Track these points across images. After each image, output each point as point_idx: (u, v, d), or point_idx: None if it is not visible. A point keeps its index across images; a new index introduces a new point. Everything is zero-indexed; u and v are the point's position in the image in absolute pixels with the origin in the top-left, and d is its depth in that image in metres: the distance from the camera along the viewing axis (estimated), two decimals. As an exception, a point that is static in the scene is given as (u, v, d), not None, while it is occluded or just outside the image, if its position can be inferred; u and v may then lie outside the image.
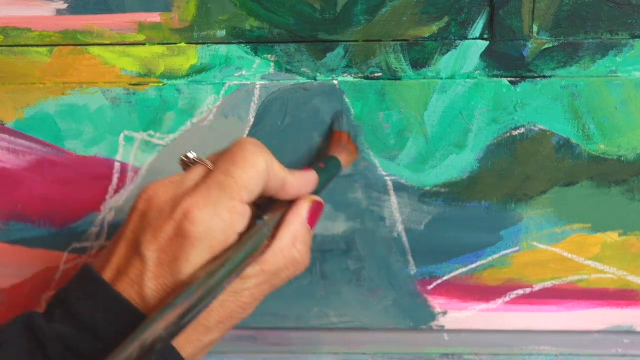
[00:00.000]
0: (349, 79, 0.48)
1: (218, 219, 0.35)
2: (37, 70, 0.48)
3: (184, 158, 0.39)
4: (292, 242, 0.39)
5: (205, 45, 0.48)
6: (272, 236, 0.38)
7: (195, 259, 0.35)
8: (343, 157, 0.46)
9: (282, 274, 0.38)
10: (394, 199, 0.50)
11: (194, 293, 0.33)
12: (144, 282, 0.35)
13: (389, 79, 0.48)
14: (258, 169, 0.36)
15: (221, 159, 0.37)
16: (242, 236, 0.37)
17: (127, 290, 0.35)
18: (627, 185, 0.49)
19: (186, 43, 0.48)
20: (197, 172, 0.37)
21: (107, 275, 0.36)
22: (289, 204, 0.40)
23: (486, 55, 0.46)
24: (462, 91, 0.47)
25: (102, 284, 0.36)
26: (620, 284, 0.51)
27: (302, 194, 0.40)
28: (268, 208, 0.39)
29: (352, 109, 0.48)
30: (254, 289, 0.38)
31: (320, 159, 0.45)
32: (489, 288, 0.52)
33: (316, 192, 0.42)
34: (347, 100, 0.48)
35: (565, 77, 0.47)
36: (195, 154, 0.38)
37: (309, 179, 0.41)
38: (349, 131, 0.48)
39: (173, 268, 0.35)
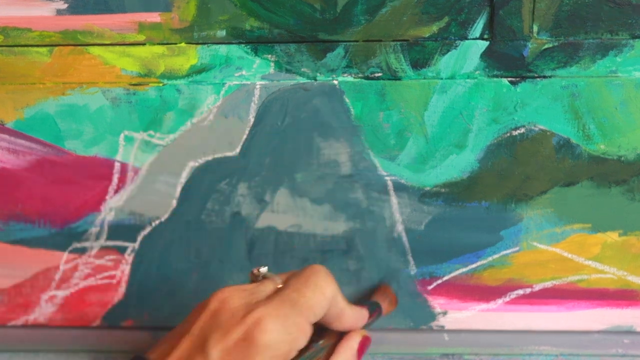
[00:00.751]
0: (349, 79, 0.48)
1: (286, 332, 0.37)
2: (37, 70, 0.48)
3: (255, 272, 0.41)
4: None
5: (205, 45, 0.48)
6: None
7: None
8: (385, 306, 0.50)
9: None
10: (394, 199, 0.50)
11: None
12: None
13: (389, 79, 0.48)
14: (326, 295, 0.40)
15: (294, 278, 0.40)
16: (299, 354, 0.39)
17: None
18: (627, 185, 0.49)
19: (186, 43, 0.48)
20: (268, 286, 0.40)
21: None
22: (339, 334, 0.43)
23: (486, 55, 0.46)
24: (462, 91, 0.47)
25: None
26: (620, 284, 0.51)
27: (353, 327, 0.44)
28: (319, 334, 0.42)
29: (352, 109, 0.48)
30: None
31: (365, 302, 0.49)
32: (489, 288, 0.52)
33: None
34: (347, 100, 0.48)
35: (565, 77, 0.47)
36: (266, 269, 0.41)
37: (362, 315, 0.45)
38: (394, 286, 0.52)
39: None
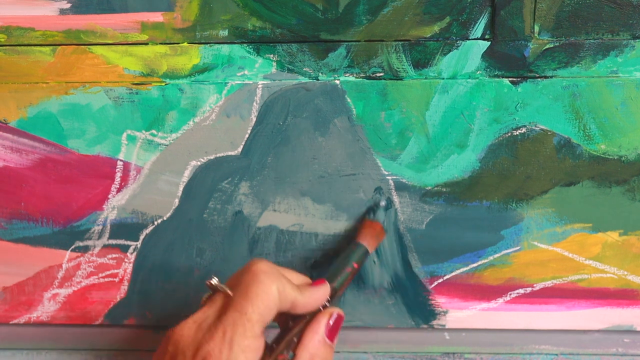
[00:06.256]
0: (351, 78, 0.48)
1: None
2: (40, 69, 0.49)
3: (208, 283, 0.41)
4: None
5: (208, 45, 0.48)
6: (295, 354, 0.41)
7: None
8: (372, 242, 0.48)
9: None
10: (395, 199, 0.50)
11: None
12: None
13: (390, 79, 0.48)
14: (270, 297, 0.39)
15: (236, 291, 0.39)
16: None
17: None
18: (628, 185, 0.49)
19: (188, 43, 0.48)
20: (216, 304, 0.40)
21: None
22: (310, 315, 0.42)
23: (487, 55, 0.47)
24: (464, 91, 0.47)
25: None
26: (621, 284, 0.51)
27: (313, 309, 0.42)
28: (292, 318, 0.42)
29: (353, 109, 0.48)
30: None
31: (349, 247, 0.47)
32: (489, 287, 0.52)
33: (337, 291, 0.44)
34: (348, 99, 0.48)
35: (566, 77, 0.47)
36: (217, 280, 0.40)
37: (319, 295, 0.42)
38: (383, 222, 0.50)
39: None
